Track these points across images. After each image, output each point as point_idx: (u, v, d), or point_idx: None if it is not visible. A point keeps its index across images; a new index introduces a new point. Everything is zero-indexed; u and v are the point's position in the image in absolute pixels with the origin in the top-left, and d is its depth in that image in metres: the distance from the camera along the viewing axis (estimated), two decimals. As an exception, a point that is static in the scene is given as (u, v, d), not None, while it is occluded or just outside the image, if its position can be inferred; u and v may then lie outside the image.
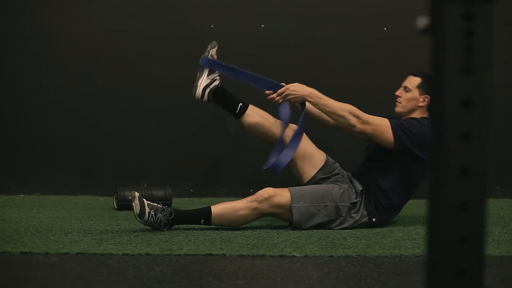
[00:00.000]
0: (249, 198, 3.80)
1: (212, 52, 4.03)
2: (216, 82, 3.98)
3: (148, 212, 3.62)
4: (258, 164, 5.33)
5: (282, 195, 3.82)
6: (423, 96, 3.94)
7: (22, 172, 5.26)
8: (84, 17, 5.27)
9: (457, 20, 1.18)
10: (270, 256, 3.06)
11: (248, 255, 3.06)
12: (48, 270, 2.78)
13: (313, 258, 3.04)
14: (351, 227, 3.84)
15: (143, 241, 3.36)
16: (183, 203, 4.98)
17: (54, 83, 5.27)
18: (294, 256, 3.06)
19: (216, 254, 3.08)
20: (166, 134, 5.31)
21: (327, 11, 5.26)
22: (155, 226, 3.65)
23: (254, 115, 4.04)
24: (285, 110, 3.94)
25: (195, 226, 3.77)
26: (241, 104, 4.03)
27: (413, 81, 3.97)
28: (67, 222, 3.91)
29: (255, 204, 3.76)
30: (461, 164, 1.21)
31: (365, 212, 3.86)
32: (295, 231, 3.71)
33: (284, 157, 3.86)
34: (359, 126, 3.79)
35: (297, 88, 3.90)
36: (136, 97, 5.30)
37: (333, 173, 4.02)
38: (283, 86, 3.93)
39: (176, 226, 3.73)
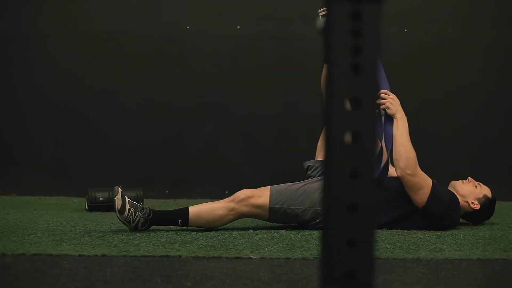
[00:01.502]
0: (226, 199, 3.80)
1: None
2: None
3: (128, 209, 3.61)
4: (234, 165, 5.34)
5: (260, 196, 3.81)
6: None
7: (-3, 173, 5.25)
8: (62, 17, 5.26)
9: (344, 19, 1.17)
10: (226, 258, 3.04)
11: (204, 257, 3.04)
12: (-1, 271, 2.77)
13: (269, 260, 3.02)
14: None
15: (104, 242, 3.34)
16: (157, 205, 4.97)
17: (26, 85, 5.26)
18: (250, 258, 3.04)
19: (172, 255, 3.06)
20: (141, 135, 5.30)
21: (302, 12, 5.24)
22: (132, 225, 3.64)
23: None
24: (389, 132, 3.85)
25: (165, 227, 3.75)
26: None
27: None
28: (33, 223, 3.90)
29: (232, 205, 3.76)
30: (351, 167, 1.19)
31: None
32: (258, 233, 3.70)
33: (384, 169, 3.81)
34: (404, 172, 3.77)
35: (398, 103, 3.85)
36: (111, 97, 5.29)
37: None
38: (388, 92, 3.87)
39: (153, 227, 3.72)
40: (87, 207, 4.56)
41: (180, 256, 3.05)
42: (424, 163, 5.36)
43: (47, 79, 5.27)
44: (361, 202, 1.19)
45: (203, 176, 5.31)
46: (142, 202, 4.61)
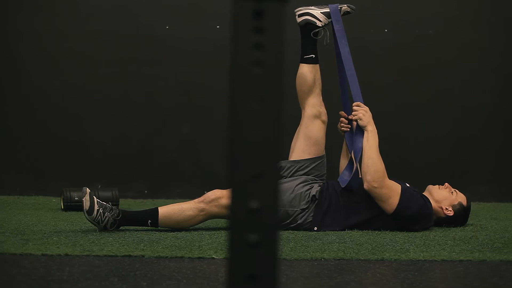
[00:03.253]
0: (197, 200, 3.79)
1: None
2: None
3: (97, 210, 3.61)
4: (212, 165, 5.33)
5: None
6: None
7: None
8: (38, 15, 5.26)
9: (247, 16, 1.16)
10: (189, 258, 3.03)
11: (167, 257, 3.03)
12: (-44, 270, 2.76)
13: (231, 260, 3.01)
14: (295, 229, 3.84)
15: (70, 242, 3.33)
16: (135, 205, 4.97)
17: (2, 84, 5.25)
18: (213, 258, 3.03)
19: (135, 255, 3.05)
20: (120, 135, 5.30)
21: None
22: (101, 225, 3.64)
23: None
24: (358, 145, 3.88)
25: (136, 227, 3.75)
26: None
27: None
28: (5, 223, 3.89)
29: (202, 205, 3.75)
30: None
31: (310, 219, 3.84)
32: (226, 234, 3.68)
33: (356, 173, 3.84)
34: (370, 185, 3.77)
35: (369, 116, 3.87)
36: (89, 97, 5.28)
37: (313, 174, 3.98)
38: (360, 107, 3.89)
39: (122, 227, 3.71)
40: (62, 207, 4.56)
41: (143, 256, 3.04)
42: (402, 167, 5.37)
43: (24, 78, 5.26)
44: (263, 203, 1.18)
45: (182, 176, 5.30)
46: (118, 202, 4.62)
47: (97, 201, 3.63)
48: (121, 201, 4.88)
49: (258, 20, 1.16)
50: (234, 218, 1.18)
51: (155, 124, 5.30)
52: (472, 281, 2.75)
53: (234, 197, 1.18)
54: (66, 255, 3.04)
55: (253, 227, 1.18)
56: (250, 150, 1.18)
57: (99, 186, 5.07)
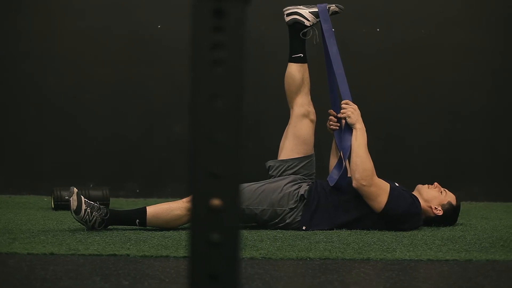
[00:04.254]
0: (185, 199, 3.79)
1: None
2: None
3: (85, 209, 3.61)
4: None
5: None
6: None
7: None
8: (31, 14, 5.26)
9: (207, 15, 1.16)
10: (174, 257, 3.03)
11: (152, 256, 3.03)
12: None
13: (216, 259, 3.00)
14: (284, 228, 3.84)
15: (57, 241, 3.33)
16: (126, 204, 4.96)
17: None
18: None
19: (120, 254, 3.05)
20: (112, 134, 5.30)
21: (272, 11, 5.23)
22: (89, 225, 3.64)
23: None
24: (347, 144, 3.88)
25: (124, 226, 3.75)
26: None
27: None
28: (-6, 222, 3.90)
29: (189, 205, 3.74)
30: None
31: (298, 218, 3.83)
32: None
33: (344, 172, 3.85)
34: (359, 183, 3.77)
35: (358, 114, 3.87)
36: (82, 97, 5.28)
37: (302, 173, 3.98)
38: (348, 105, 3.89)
39: (111, 226, 3.71)
40: (53, 206, 4.56)
41: (128, 255, 3.04)
42: (396, 167, 5.36)
43: (15, 76, 5.26)
44: (225, 203, 1.18)
45: (173, 176, 5.30)
46: (109, 201, 4.62)
47: (85, 200, 3.63)
48: (113, 200, 4.88)
49: (218, 19, 1.16)
50: (195, 217, 1.18)
51: (147, 124, 5.30)
52: (455, 281, 2.75)
53: (194, 196, 1.18)
54: (52, 254, 3.04)
55: (214, 227, 1.18)
56: (211, 150, 1.18)
57: (91, 186, 5.07)
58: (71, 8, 5.27)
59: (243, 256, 3.04)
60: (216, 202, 1.15)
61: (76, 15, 5.27)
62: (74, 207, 3.59)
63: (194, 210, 1.18)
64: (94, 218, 3.63)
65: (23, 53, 5.25)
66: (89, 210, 3.62)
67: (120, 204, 4.94)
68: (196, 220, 1.18)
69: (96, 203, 3.70)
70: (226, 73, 1.15)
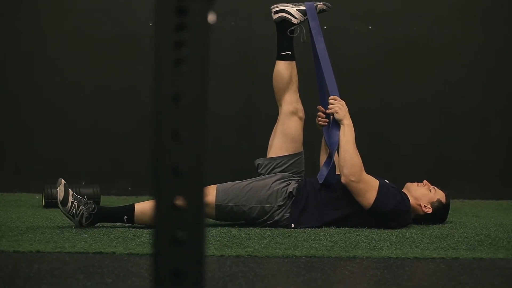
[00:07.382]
0: (173, 197, 3.78)
1: None
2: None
3: (71, 202, 3.61)
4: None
5: (207, 194, 3.76)
6: None
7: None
8: (23, 14, 5.26)
9: (169, 14, 1.16)
10: (160, 255, 3.03)
11: (138, 254, 3.03)
12: None
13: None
14: (273, 226, 3.84)
15: (44, 238, 3.33)
16: (118, 201, 4.96)
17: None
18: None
19: (106, 252, 3.05)
20: (103, 132, 5.29)
21: (264, 10, 5.22)
22: (76, 219, 3.63)
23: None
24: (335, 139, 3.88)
25: (113, 224, 3.75)
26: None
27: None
28: (-17, 220, 3.90)
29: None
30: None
31: (287, 216, 3.83)
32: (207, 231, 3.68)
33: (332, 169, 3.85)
34: (348, 179, 3.76)
35: (345, 110, 3.87)
36: (72, 94, 5.28)
37: (291, 171, 3.98)
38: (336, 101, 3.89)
39: (99, 224, 3.72)
40: (43, 204, 4.56)
41: (114, 253, 3.04)
42: (387, 166, 5.36)
43: (4, 76, 5.26)
44: (189, 201, 1.18)
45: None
46: (100, 198, 4.62)
47: (72, 193, 3.63)
48: (105, 198, 4.88)
49: (181, 17, 1.15)
50: (159, 215, 1.18)
51: (139, 122, 5.30)
52: (440, 279, 2.74)
53: (157, 194, 1.18)
54: (38, 251, 3.04)
55: (178, 224, 1.18)
56: (172, 147, 1.18)
57: (83, 183, 5.07)
58: (64, 7, 5.27)
59: (229, 255, 3.04)
60: (179, 201, 1.15)
61: (67, 13, 5.27)
62: (61, 198, 3.60)
63: (157, 208, 1.17)
64: (81, 212, 3.63)
65: (13, 52, 5.25)
66: (76, 204, 3.62)
67: (112, 202, 4.93)
68: (160, 217, 1.18)
69: (84, 198, 3.70)
70: (189, 72, 1.15)
